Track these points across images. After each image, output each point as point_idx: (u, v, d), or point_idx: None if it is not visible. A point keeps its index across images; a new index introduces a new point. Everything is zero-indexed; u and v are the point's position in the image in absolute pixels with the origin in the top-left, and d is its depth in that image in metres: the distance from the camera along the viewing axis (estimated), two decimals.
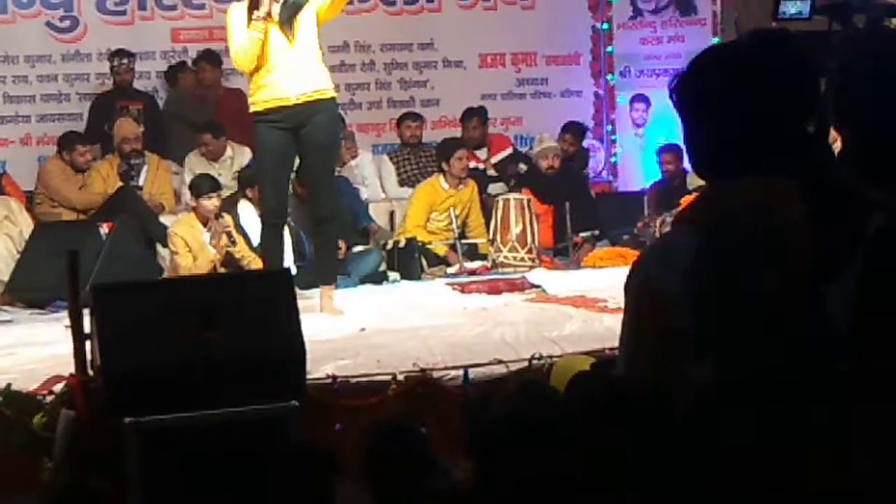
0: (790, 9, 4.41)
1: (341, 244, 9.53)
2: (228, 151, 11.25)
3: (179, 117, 11.70)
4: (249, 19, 7.76)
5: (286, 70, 7.81)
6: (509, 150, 12.18)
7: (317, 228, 8.49)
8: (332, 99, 8.05)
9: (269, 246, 8.30)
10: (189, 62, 11.93)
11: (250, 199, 9.83)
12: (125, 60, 11.47)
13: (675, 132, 11.15)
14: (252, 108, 7.98)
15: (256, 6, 7.74)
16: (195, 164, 11.09)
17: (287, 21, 7.75)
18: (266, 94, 7.87)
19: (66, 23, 11.86)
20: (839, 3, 4.10)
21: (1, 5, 11.68)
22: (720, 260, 2.38)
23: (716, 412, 2.31)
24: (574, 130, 12.22)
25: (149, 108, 11.54)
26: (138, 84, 11.74)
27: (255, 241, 9.45)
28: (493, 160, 12.03)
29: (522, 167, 11.87)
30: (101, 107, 11.43)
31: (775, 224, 2.37)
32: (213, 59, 11.60)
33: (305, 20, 7.79)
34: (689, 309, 2.37)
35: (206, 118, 11.41)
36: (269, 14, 7.72)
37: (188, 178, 10.64)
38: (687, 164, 11.01)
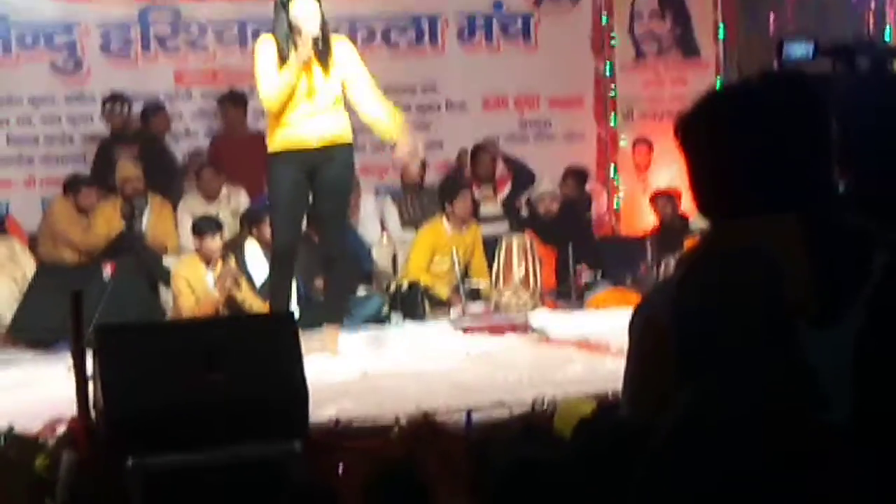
0: (795, 51, 4.38)
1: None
2: (224, 190, 11.17)
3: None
4: (280, 58, 7.76)
5: (309, 112, 7.81)
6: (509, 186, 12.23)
7: (326, 267, 8.48)
8: (350, 144, 8.05)
9: (278, 284, 8.23)
10: (168, 106, 11.85)
11: (257, 239, 9.82)
12: (118, 106, 11.34)
13: (678, 176, 11.14)
14: (270, 148, 7.97)
15: (287, 46, 7.73)
16: (192, 205, 10.98)
17: (323, 61, 7.77)
18: (287, 132, 7.86)
19: (70, 64, 11.89)
20: (842, 46, 4.09)
21: (5, 46, 11.72)
22: (696, 295, 2.36)
23: (678, 447, 2.26)
24: (575, 175, 12.23)
25: (146, 148, 11.40)
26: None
27: (259, 282, 9.45)
28: (500, 196, 12.06)
29: (524, 209, 11.89)
30: (104, 151, 11.36)
31: (763, 262, 2.33)
32: (237, 100, 11.61)
33: (339, 62, 7.81)
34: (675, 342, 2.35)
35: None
36: (309, 58, 7.71)
37: (185, 219, 10.60)
38: (686, 208, 10.98)
